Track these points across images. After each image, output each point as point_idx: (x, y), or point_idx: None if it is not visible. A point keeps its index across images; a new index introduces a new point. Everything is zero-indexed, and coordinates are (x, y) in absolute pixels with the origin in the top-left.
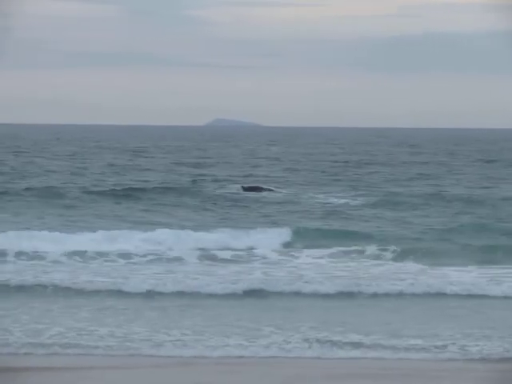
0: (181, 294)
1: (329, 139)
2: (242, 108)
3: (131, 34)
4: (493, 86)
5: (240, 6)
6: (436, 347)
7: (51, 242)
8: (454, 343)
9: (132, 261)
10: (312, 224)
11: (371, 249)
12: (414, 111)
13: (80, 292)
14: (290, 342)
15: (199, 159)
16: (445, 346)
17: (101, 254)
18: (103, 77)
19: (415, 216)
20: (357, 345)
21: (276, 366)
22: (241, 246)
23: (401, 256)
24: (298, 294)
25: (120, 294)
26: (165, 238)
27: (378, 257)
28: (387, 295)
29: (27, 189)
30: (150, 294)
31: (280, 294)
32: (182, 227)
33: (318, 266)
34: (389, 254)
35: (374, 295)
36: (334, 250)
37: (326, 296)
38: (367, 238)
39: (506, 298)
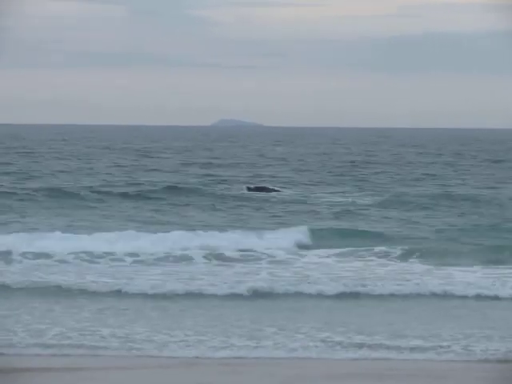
0: (185, 295)
1: (334, 139)
2: (247, 108)
3: (134, 34)
4: (494, 86)
5: (243, 6)
6: (440, 347)
7: (60, 242)
8: (458, 343)
9: (139, 261)
10: (321, 224)
11: (379, 249)
12: (415, 111)
13: (84, 292)
14: (291, 343)
15: (207, 159)
16: (449, 347)
17: (108, 254)
18: (107, 77)
19: (422, 216)
20: (360, 345)
21: (278, 366)
22: (252, 247)
23: (407, 256)
24: (302, 294)
25: (125, 294)
26: (174, 238)
27: (384, 257)
28: (392, 296)
29: (36, 189)
30: (153, 295)
31: (284, 295)
32: (192, 227)
33: (324, 266)
34: (395, 254)
35: (379, 296)
36: (345, 249)
37: (330, 297)
38: (376, 237)
39: (511, 298)
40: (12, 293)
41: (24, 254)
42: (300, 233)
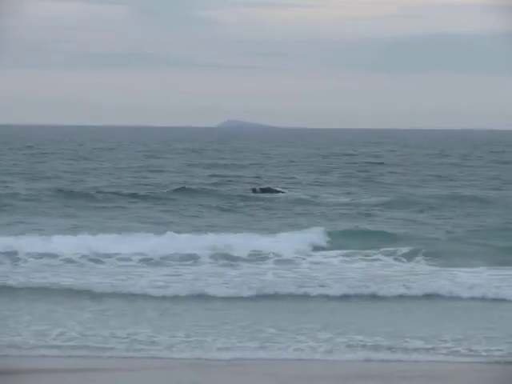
0: (189, 296)
1: (339, 140)
2: (253, 109)
3: (134, 35)
4: (498, 87)
5: (247, 6)
6: (443, 348)
7: (66, 243)
8: (461, 344)
9: (146, 262)
10: (328, 225)
11: (385, 249)
12: (416, 112)
13: (87, 293)
14: (293, 343)
15: (214, 160)
16: (452, 347)
17: (114, 255)
18: (107, 78)
19: (429, 217)
20: (362, 346)
21: (280, 367)
22: (266, 249)
23: (413, 257)
24: (307, 295)
25: (128, 295)
26: (182, 239)
27: (391, 257)
28: (396, 297)
29: (41, 189)
30: (157, 296)
31: (287, 296)
32: (199, 228)
33: (331, 267)
34: (402, 255)
35: (383, 297)
36: (352, 251)
37: (334, 298)
38: (382, 238)
39: None
40: (17, 293)
41: (30, 255)
42: (315, 234)
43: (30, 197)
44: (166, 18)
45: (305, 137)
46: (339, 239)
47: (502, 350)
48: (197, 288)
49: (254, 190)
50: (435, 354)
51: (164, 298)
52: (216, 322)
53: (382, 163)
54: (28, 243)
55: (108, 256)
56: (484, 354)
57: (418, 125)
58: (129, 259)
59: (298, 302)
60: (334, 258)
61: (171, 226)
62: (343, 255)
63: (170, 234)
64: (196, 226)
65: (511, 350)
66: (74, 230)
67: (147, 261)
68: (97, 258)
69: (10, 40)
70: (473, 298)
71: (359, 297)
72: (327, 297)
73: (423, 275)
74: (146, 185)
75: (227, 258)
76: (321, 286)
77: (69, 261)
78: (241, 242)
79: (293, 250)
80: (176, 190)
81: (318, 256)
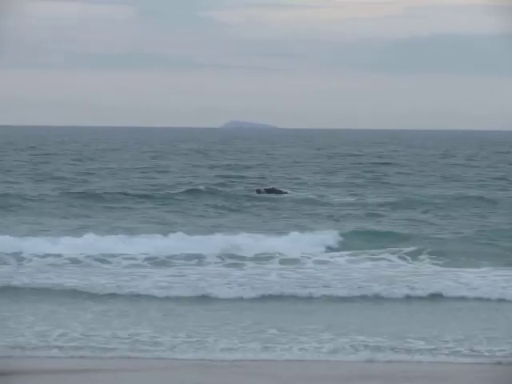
0: (193, 297)
1: (344, 140)
2: (253, 109)
3: (134, 35)
4: (498, 88)
5: (247, 7)
6: (445, 349)
7: (73, 244)
8: (463, 345)
9: (152, 263)
10: (335, 226)
11: (392, 250)
12: (423, 113)
13: (91, 294)
14: (295, 344)
15: (219, 161)
16: (454, 348)
17: (120, 256)
18: (108, 78)
19: (435, 217)
20: (364, 347)
21: (283, 368)
22: (279, 250)
23: (418, 257)
24: (311, 296)
25: (132, 296)
26: (189, 240)
27: (396, 258)
28: (399, 297)
29: (48, 190)
30: (162, 297)
31: (291, 297)
32: (205, 228)
33: (337, 268)
34: (408, 256)
35: (388, 298)
36: (358, 251)
37: (337, 299)
38: (389, 238)
39: None
40: (21, 294)
41: (35, 255)
42: (327, 235)
43: (35, 197)
44: (166, 18)
45: (307, 137)
46: (346, 239)
47: (504, 351)
48: (200, 289)
49: (259, 191)
50: (437, 354)
51: (168, 298)
52: (219, 322)
53: (388, 163)
54: (34, 244)
55: (113, 256)
56: (486, 354)
57: (418, 125)
58: (134, 259)
59: (302, 302)
60: (341, 257)
61: (178, 226)
62: (349, 255)
63: (178, 234)
64: (202, 227)
65: None
66: (80, 231)
67: (152, 260)
68: (102, 259)
69: (10, 40)
70: (478, 299)
71: (363, 297)
72: (331, 297)
73: (428, 276)
74: (152, 185)
75: (234, 258)
76: (325, 286)
77: (74, 261)
78: (248, 243)
79: (303, 252)
80: (187, 191)
81: (325, 256)
